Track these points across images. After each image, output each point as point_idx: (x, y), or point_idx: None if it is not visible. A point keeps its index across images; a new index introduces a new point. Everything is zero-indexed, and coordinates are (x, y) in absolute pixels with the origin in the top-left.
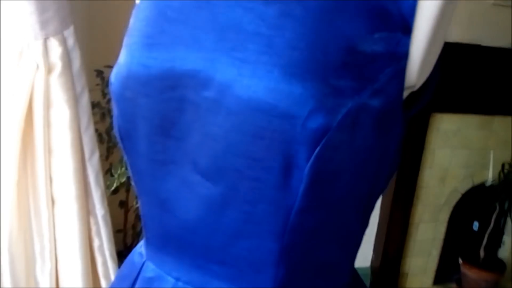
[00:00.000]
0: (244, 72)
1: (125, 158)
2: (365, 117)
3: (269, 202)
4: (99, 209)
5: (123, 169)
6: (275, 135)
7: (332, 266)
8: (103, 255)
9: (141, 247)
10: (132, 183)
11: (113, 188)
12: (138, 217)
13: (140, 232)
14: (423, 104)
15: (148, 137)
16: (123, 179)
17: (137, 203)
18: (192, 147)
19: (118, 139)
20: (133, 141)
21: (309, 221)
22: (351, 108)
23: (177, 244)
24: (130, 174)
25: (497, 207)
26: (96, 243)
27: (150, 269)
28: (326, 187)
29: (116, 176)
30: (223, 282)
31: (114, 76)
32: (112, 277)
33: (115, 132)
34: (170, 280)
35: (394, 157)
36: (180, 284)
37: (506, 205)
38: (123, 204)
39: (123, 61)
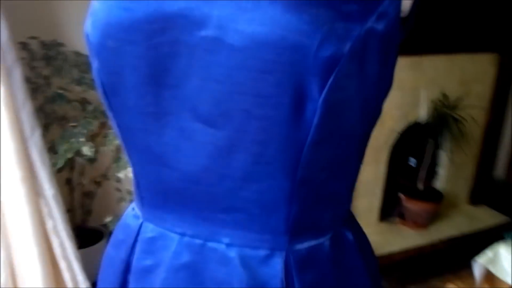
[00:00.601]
0: (245, 5)
1: (110, 115)
2: (373, 42)
3: (280, 140)
4: (48, 189)
5: (67, 144)
6: (286, 68)
7: (337, 197)
8: (58, 236)
9: (133, 210)
10: (120, 142)
11: (60, 165)
12: (85, 195)
13: (89, 211)
14: (408, 29)
15: (138, 88)
16: (70, 155)
17: (84, 180)
18: (190, 94)
19: (101, 95)
20: (119, 96)
21: (322, 153)
22: (360, 33)
23: (178, 199)
24: (117, 132)
25: (431, 142)
26: (49, 225)
27: (150, 229)
28: (338, 117)
29: (62, 152)
30: (232, 230)
31: (91, 25)
32: (71, 258)
33: (97, 87)
34: (175, 237)
35: (390, 82)
36: (186, 239)
37: (438, 140)
38: (70, 182)
39: (99, 6)
